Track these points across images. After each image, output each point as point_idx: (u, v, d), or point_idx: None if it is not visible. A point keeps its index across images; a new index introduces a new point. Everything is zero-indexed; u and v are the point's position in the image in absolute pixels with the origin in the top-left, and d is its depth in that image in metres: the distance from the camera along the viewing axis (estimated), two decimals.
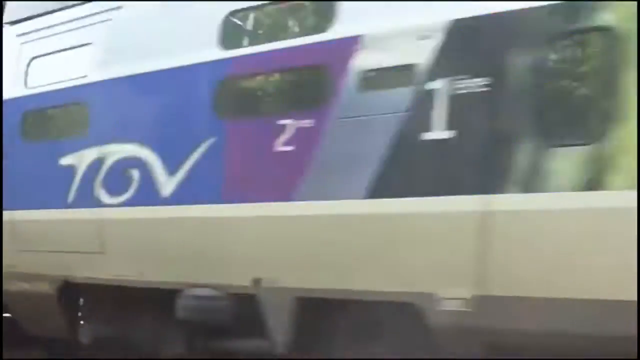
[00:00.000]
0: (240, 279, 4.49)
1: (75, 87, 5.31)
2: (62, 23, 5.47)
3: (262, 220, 4.37)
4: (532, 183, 3.53)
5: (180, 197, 4.74)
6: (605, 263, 3.31)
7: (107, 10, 5.22)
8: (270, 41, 4.40)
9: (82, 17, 5.36)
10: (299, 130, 4.19)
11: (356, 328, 4.20)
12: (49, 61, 5.58)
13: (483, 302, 3.69)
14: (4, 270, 5.68)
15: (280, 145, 4.26)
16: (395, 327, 4.04)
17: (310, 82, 4.32)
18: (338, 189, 4.07)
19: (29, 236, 5.64)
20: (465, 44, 3.70)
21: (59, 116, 5.59)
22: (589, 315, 3.34)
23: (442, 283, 3.79)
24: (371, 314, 4.12)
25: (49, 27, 5.56)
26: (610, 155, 3.31)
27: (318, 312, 4.27)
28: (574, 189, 3.41)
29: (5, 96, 5.64)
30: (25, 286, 5.70)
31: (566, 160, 3.42)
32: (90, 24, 5.29)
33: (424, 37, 3.79)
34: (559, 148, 3.44)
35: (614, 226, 3.29)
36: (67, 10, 5.50)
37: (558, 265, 3.48)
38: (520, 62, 3.55)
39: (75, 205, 5.29)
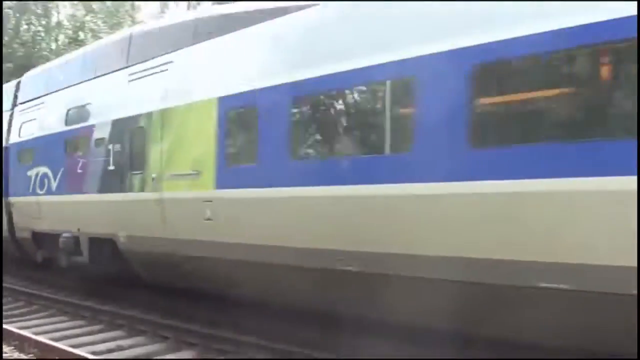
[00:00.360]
0: (75, 229, 10.04)
1: (30, 139, 11.31)
2: (28, 107, 11.51)
3: (78, 203, 9.87)
4: (130, 188, 8.60)
5: (58, 191, 10.44)
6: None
7: (40, 104, 11.13)
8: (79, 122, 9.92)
9: (33, 106, 11.35)
10: (82, 163, 9.64)
11: (104, 245, 9.49)
12: (27, 125, 11.64)
13: (130, 238, 8.82)
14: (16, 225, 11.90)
15: (79, 169, 9.75)
16: (112, 248, 9.28)
17: (84, 143, 9.70)
18: (91, 189, 9.45)
19: (23, 210, 11.75)
20: (116, 130, 8.86)
21: (28, 153, 11.58)
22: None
23: (119, 230, 8.97)
24: (105, 244, 9.39)
25: (24, 109, 11.66)
26: (146, 179, 8.29)
27: (98, 243, 9.65)
28: (137, 191, 8.43)
29: (10, 142, 11.85)
30: (22, 234, 11.84)
31: (136, 179, 8.46)
32: (34, 109, 11.25)
33: (108, 126, 9.02)
34: (134, 174, 8.49)
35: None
36: (31, 102, 11.52)
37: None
38: (127, 137, 8.63)
39: (31, 194, 11.27)
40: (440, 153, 5.00)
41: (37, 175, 11.04)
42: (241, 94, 6.79)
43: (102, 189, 9.21)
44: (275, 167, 6.38)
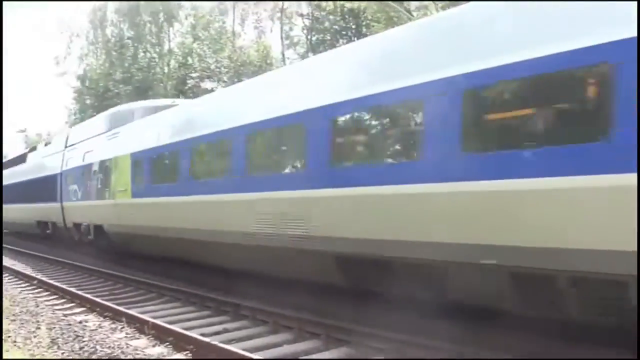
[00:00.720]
0: (88, 220, 17.68)
1: (71, 169, 19.23)
2: (71, 149, 19.45)
3: (89, 205, 17.52)
4: (105, 197, 16.08)
5: (81, 199, 18.18)
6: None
7: (75, 148, 19.02)
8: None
9: (72, 149, 19.28)
10: (89, 183, 17.31)
11: (99, 230, 17.03)
12: (68, 160, 19.60)
13: (110, 227, 16.28)
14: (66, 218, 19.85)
15: (88, 187, 17.43)
16: (101, 231, 16.78)
17: (89, 172, 17.31)
18: (92, 198, 17.05)
19: (69, 210, 19.64)
20: (101, 166, 16.40)
21: (70, 176, 19.45)
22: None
23: (105, 220, 16.45)
24: (100, 229, 16.89)
25: (69, 150, 19.64)
26: (111, 192, 15.73)
27: (97, 229, 17.20)
28: (108, 199, 15.88)
29: (63, 170, 19.88)
30: (69, 224, 19.72)
31: (107, 192, 15.92)
32: (73, 151, 19.18)
33: (98, 164, 16.61)
34: (107, 189, 15.96)
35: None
36: (72, 146, 19.47)
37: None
38: (104, 170, 16.13)
39: (71, 200, 19.14)
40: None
41: (73, 189, 18.91)
42: (137, 151, 14.04)
43: (96, 198, 16.74)
44: (149, 188, 13.54)
